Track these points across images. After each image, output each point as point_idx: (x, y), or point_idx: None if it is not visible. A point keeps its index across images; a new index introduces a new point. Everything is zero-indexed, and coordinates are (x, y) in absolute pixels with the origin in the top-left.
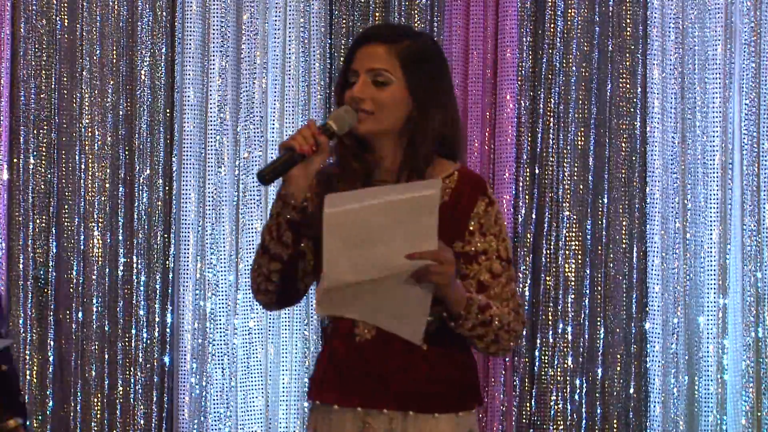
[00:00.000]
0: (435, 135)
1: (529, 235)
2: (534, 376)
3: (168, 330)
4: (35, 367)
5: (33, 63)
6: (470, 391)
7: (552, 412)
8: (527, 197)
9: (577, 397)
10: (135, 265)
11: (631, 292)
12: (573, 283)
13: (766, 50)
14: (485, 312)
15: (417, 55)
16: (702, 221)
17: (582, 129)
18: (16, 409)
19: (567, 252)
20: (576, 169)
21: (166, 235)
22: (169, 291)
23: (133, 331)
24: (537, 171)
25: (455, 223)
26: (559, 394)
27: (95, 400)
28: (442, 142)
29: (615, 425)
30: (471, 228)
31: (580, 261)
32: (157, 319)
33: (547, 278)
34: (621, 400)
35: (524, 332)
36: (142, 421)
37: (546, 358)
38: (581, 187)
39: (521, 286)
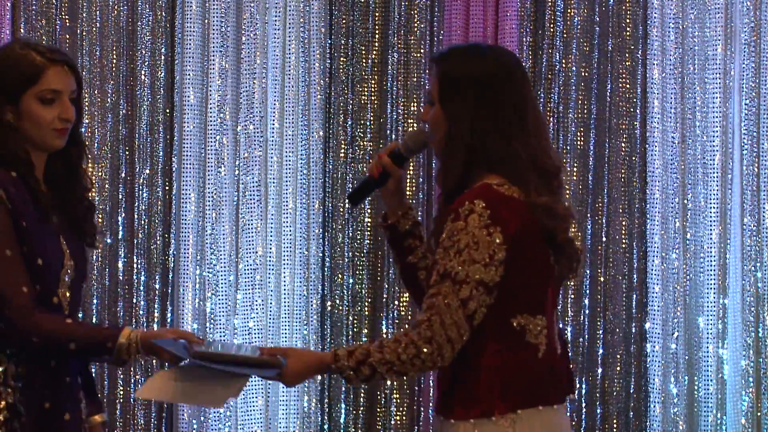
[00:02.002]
0: (463, 154)
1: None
2: None
3: None
4: None
5: None
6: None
7: None
8: None
9: (576, 397)
10: (135, 265)
11: (631, 292)
12: (573, 283)
13: (766, 50)
14: (362, 368)
15: (449, 74)
16: (702, 221)
17: (582, 129)
18: (98, 405)
19: None
20: (576, 169)
21: (166, 235)
22: (169, 291)
23: None
24: None
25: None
26: None
27: None
28: (481, 158)
29: (615, 425)
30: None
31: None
32: (157, 320)
33: None
34: (621, 400)
35: (448, 340)
36: (142, 421)
37: None
38: (581, 187)
39: None
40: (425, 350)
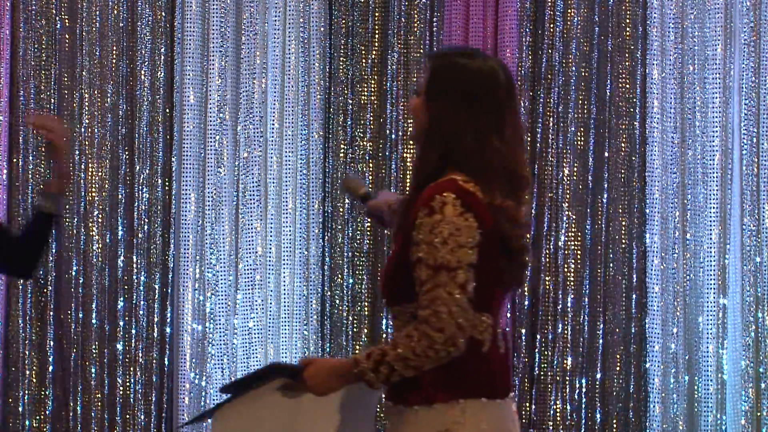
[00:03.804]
0: (439, 149)
1: (528, 235)
2: (534, 376)
3: (168, 330)
4: (35, 367)
5: (33, 63)
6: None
7: (552, 412)
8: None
9: (576, 397)
10: (135, 265)
11: (630, 292)
12: (573, 283)
13: (766, 50)
14: (381, 368)
15: (440, 73)
16: (702, 221)
17: (581, 129)
18: None
19: (567, 252)
20: (576, 169)
21: (165, 235)
22: (169, 291)
23: (133, 331)
24: (537, 171)
25: (409, 235)
26: (559, 394)
27: (95, 400)
28: (455, 156)
29: (615, 425)
30: (413, 239)
31: (579, 261)
32: (156, 319)
33: (547, 278)
34: (621, 400)
35: (459, 327)
36: (142, 422)
37: (546, 358)
38: (581, 187)
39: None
40: (438, 340)
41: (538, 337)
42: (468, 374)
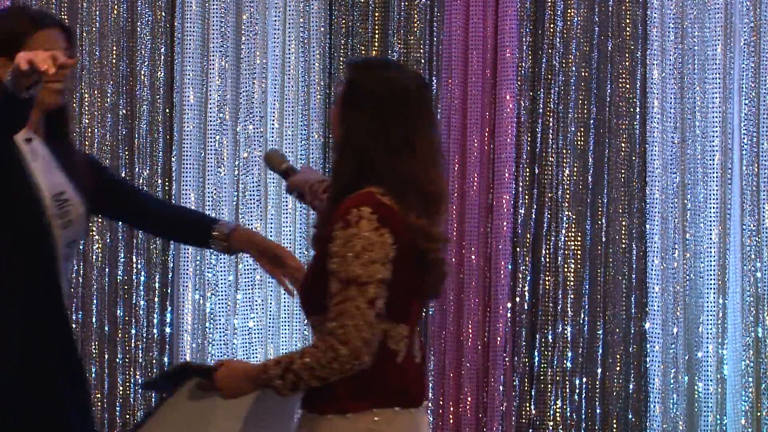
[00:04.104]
0: (353, 162)
1: (528, 235)
2: (534, 377)
3: (168, 330)
4: None
5: None
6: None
7: (551, 412)
8: (527, 197)
9: (576, 397)
10: (135, 265)
11: (630, 292)
12: (573, 283)
13: (766, 50)
14: (287, 375)
15: (355, 85)
16: (702, 221)
17: (581, 129)
18: None
19: (567, 252)
20: (576, 169)
21: None
22: (169, 291)
23: (133, 331)
24: (537, 171)
25: (326, 246)
26: (559, 394)
27: (95, 400)
28: (368, 170)
29: (615, 425)
30: (329, 250)
31: (579, 261)
32: (156, 319)
33: (547, 278)
34: (621, 400)
35: (364, 342)
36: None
37: (546, 358)
38: (581, 187)
39: (521, 286)
40: (343, 353)
41: (538, 337)
42: (382, 384)
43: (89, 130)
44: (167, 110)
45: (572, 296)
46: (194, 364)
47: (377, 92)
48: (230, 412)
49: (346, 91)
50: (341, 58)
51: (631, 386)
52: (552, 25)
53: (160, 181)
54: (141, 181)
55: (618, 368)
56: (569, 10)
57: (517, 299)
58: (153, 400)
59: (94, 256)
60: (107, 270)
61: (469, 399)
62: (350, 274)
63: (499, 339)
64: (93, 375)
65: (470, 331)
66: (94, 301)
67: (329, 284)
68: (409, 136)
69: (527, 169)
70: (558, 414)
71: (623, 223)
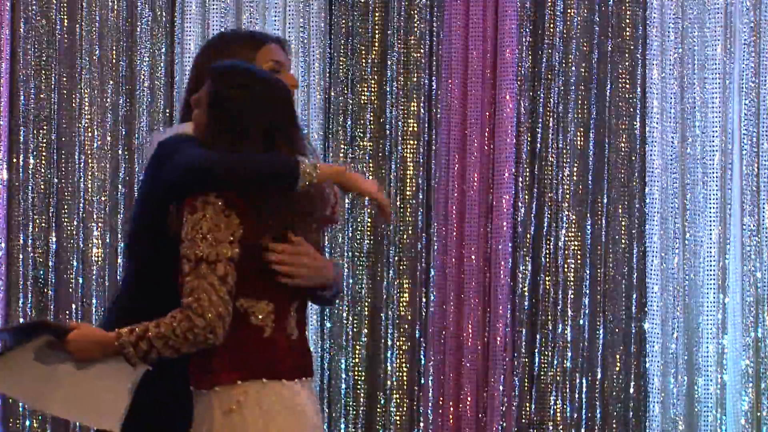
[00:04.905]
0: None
1: (528, 235)
2: (534, 377)
3: None
4: None
5: (33, 63)
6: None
7: (552, 412)
8: (527, 197)
9: (576, 397)
10: None
11: (630, 292)
12: (573, 283)
13: (766, 50)
14: (140, 343)
15: (213, 90)
16: (702, 221)
17: (581, 129)
18: None
19: (566, 252)
20: (575, 169)
21: None
22: None
23: None
24: (536, 171)
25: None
26: (559, 394)
27: None
28: None
29: (615, 425)
30: (181, 236)
31: (579, 261)
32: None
33: (547, 278)
34: (621, 400)
35: (218, 316)
36: None
37: (546, 358)
38: (581, 187)
39: (521, 286)
40: (199, 324)
41: (538, 337)
42: (248, 357)
43: (89, 130)
44: (167, 110)
45: (572, 296)
46: (51, 323)
47: (234, 102)
48: (69, 379)
49: (208, 97)
50: (341, 58)
51: (631, 386)
52: (552, 25)
53: None
54: (141, 181)
55: (618, 368)
56: (569, 10)
57: (517, 299)
58: None
59: (94, 256)
60: (107, 270)
61: (469, 399)
62: (198, 253)
63: (499, 339)
64: None
65: (470, 331)
66: (94, 302)
67: (182, 266)
68: (267, 148)
69: (527, 169)
70: (558, 414)
71: (623, 223)
